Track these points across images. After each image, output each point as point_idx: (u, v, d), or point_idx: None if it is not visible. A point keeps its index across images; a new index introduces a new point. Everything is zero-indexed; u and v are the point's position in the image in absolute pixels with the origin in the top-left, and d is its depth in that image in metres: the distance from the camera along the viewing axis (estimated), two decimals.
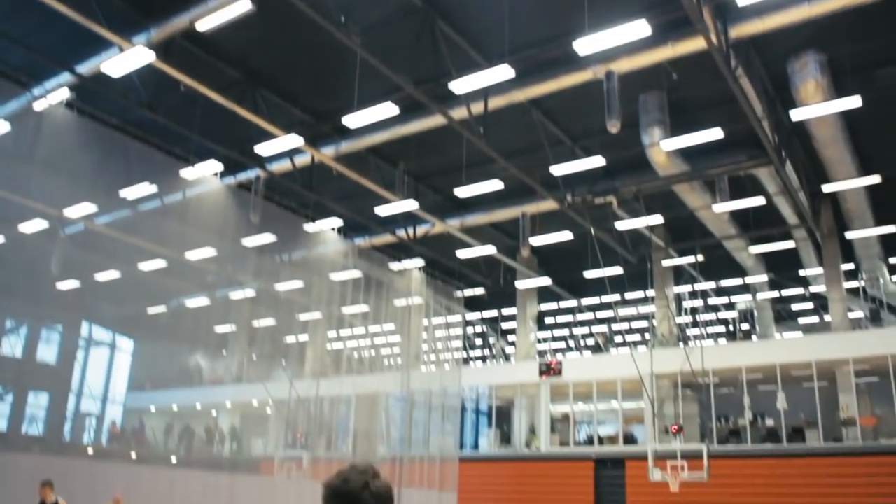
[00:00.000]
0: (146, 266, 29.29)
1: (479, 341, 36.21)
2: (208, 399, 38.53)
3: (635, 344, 30.19)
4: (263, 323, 36.19)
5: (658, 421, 26.76)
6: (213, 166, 21.37)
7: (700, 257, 27.48)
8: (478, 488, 29.12)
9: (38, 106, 20.19)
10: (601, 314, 33.07)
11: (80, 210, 25.08)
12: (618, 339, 31.56)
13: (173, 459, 33.74)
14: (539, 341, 33.12)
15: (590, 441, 29.16)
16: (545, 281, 30.74)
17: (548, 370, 29.02)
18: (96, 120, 22.60)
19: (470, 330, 34.78)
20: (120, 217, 26.88)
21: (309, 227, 25.33)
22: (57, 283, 31.11)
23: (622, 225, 25.15)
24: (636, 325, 32.12)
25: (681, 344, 27.94)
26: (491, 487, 28.90)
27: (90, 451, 34.05)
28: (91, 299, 33.67)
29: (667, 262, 29.41)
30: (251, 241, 26.11)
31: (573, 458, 28.15)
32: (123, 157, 24.96)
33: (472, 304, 33.58)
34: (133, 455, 34.53)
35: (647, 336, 30.68)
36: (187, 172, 21.67)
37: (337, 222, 25.67)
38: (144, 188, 23.19)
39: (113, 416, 39.95)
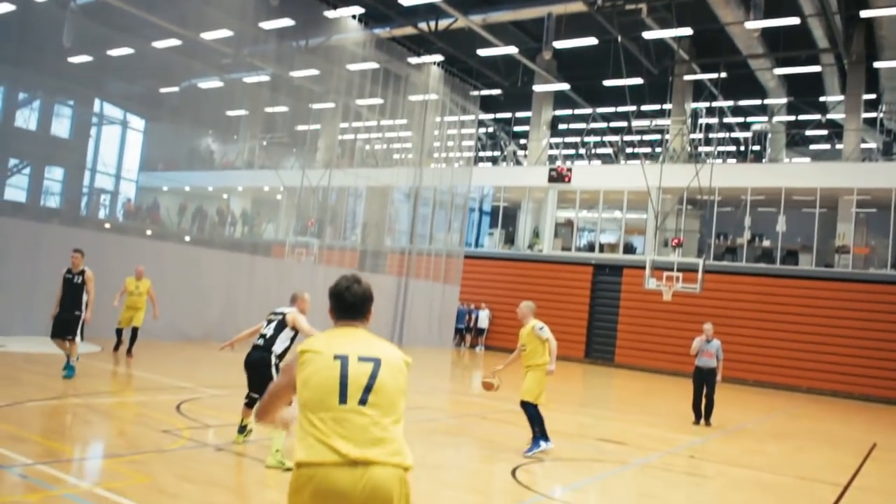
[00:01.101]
0: (160, 44, 28.71)
1: (490, 142, 36.27)
2: (220, 182, 39.24)
3: (646, 156, 30.33)
4: (277, 109, 36.06)
5: (659, 234, 27.56)
6: None
7: (723, 74, 26.99)
8: (480, 284, 30.50)
9: None
10: (615, 124, 32.91)
11: None
12: (629, 150, 31.62)
13: (186, 238, 34.76)
14: (550, 147, 33.23)
15: (591, 248, 30.13)
16: (563, 86, 30.38)
17: (557, 176, 29.43)
18: None
19: (482, 131, 34.70)
20: None
21: (329, 13, 24.62)
22: (69, 57, 30.71)
23: (649, 34, 24.48)
24: (648, 138, 32.08)
25: (691, 160, 28.16)
26: (493, 284, 30.25)
27: (107, 225, 35.10)
28: (103, 75, 33.37)
29: (689, 77, 28.96)
30: (269, 25, 25.48)
31: (573, 262, 29.26)
32: None
33: (487, 104, 33.32)
34: (148, 232, 35.63)
35: (659, 150, 30.78)
36: None
37: (358, 10, 24.93)
38: None
39: (126, 194, 40.85)
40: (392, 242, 32.13)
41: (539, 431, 8.93)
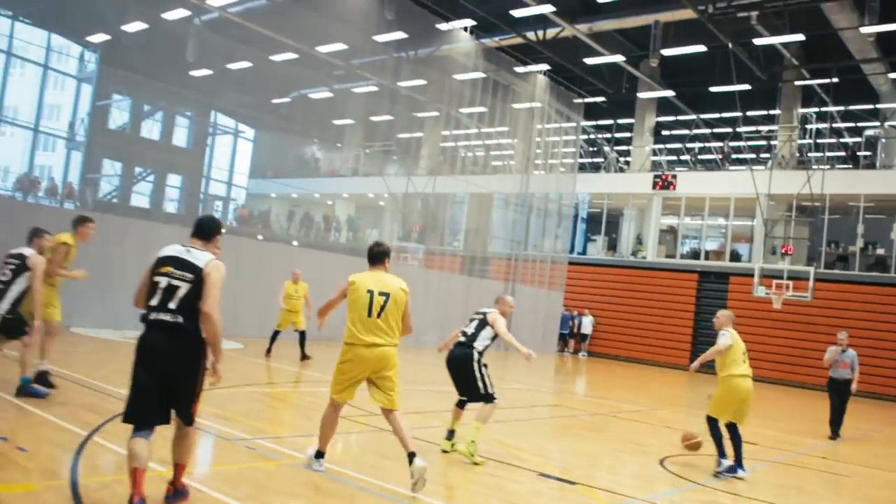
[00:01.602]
0: (277, 57, 30.19)
1: (591, 150, 36.53)
2: (326, 189, 40.69)
3: (752, 162, 30.12)
4: (382, 118, 37.21)
5: (767, 241, 27.35)
6: None
7: (834, 80, 26.63)
8: (584, 290, 30.82)
9: None
10: (718, 130, 32.75)
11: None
12: (735, 156, 31.46)
13: (294, 243, 36.16)
14: (654, 153, 33.31)
15: (695, 255, 30.07)
16: (668, 93, 30.46)
17: (663, 183, 29.53)
18: None
19: (585, 138, 35.00)
20: (256, 6, 27.57)
21: (442, 25, 25.50)
22: (191, 71, 32.57)
23: (760, 41, 24.42)
24: (755, 143, 31.82)
25: (800, 166, 27.85)
26: (596, 290, 30.52)
27: (222, 230, 36.90)
28: (220, 88, 35.17)
29: (798, 82, 28.64)
30: (383, 38, 26.53)
31: (678, 270, 29.28)
32: None
33: (590, 112, 33.62)
34: (259, 237, 37.22)
35: (766, 156, 30.52)
36: None
37: (469, 22, 25.74)
38: None
39: (237, 201, 42.83)
40: (495, 248, 32.79)
41: (719, 450, 8.28)
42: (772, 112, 30.17)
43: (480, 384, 7.60)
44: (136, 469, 4.35)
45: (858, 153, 28.56)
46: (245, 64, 31.99)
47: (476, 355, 7.63)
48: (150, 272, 4.70)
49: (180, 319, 4.57)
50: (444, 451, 7.55)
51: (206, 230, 4.97)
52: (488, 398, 7.58)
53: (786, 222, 27.59)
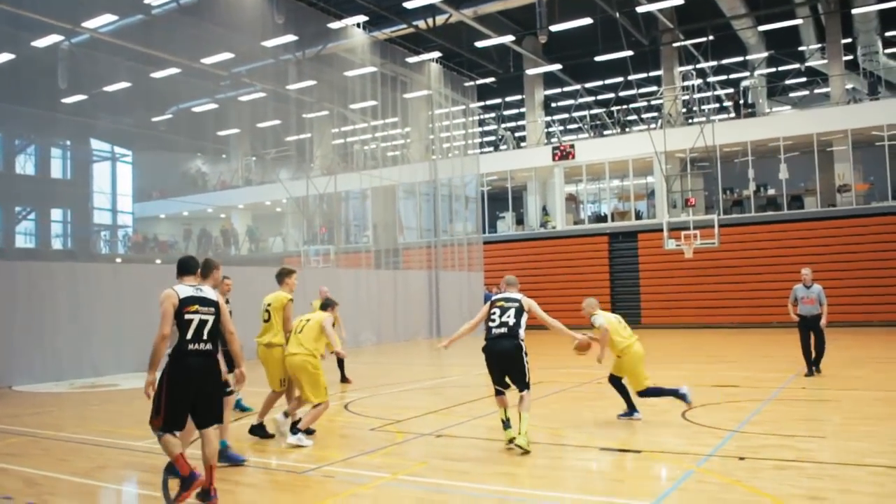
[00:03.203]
0: (158, 74, 28.97)
1: (488, 130, 37.08)
2: (218, 202, 39.48)
3: (643, 122, 31.49)
4: (269, 124, 36.35)
5: (669, 196, 28.73)
6: None
7: (710, 38, 28.19)
8: (500, 267, 31.38)
9: None
10: (603, 96, 34.01)
11: (96, 21, 24.53)
12: (628, 119, 32.75)
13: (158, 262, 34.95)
14: (548, 126, 34.22)
15: (602, 218, 31.19)
16: (555, 66, 31.30)
17: (561, 153, 30.41)
18: None
19: (479, 118, 35.48)
20: (131, 22, 26.34)
21: (334, 24, 25.22)
22: (63, 98, 30.79)
23: (641, 8, 25.51)
24: (642, 105, 33.24)
25: (687, 122, 29.38)
26: (512, 265, 31.13)
27: (118, 259, 35.27)
28: (96, 112, 33.40)
29: (676, 44, 30.08)
30: (272, 42, 25.95)
31: (588, 234, 30.32)
32: None
33: (482, 94, 34.11)
34: (157, 261, 35.83)
35: (655, 115, 31.97)
36: None
37: (362, 18, 25.56)
38: None
39: (126, 227, 40.93)
40: (405, 239, 32.87)
41: (629, 403, 9.43)
42: (652, 74, 31.58)
43: (526, 373, 7.72)
44: (182, 453, 5.50)
45: (739, 103, 30.34)
46: (123, 84, 30.47)
47: (523, 345, 7.73)
48: (176, 311, 5.62)
49: (210, 346, 5.74)
50: (511, 440, 7.52)
51: (194, 267, 6.05)
52: (528, 386, 7.73)
53: (682, 177, 29.05)
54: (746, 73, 31.90)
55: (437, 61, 29.44)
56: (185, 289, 5.75)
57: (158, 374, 5.56)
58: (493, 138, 36.25)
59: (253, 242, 38.87)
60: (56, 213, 35.67)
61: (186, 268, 5.95)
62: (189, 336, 5.61)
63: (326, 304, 8.84)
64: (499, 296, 8.07)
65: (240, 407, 10.06)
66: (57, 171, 35.93)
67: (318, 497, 6.05)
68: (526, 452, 7.27)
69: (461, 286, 28.90)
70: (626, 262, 29.48)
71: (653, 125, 30.26)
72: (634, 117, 32.57)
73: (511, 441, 7.50)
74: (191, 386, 5.57)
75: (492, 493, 5.98)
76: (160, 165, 40.85)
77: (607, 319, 9.33)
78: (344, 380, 13.73)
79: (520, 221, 33.08)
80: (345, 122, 34.36)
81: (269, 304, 8.51)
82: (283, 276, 8.52)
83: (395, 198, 33.89)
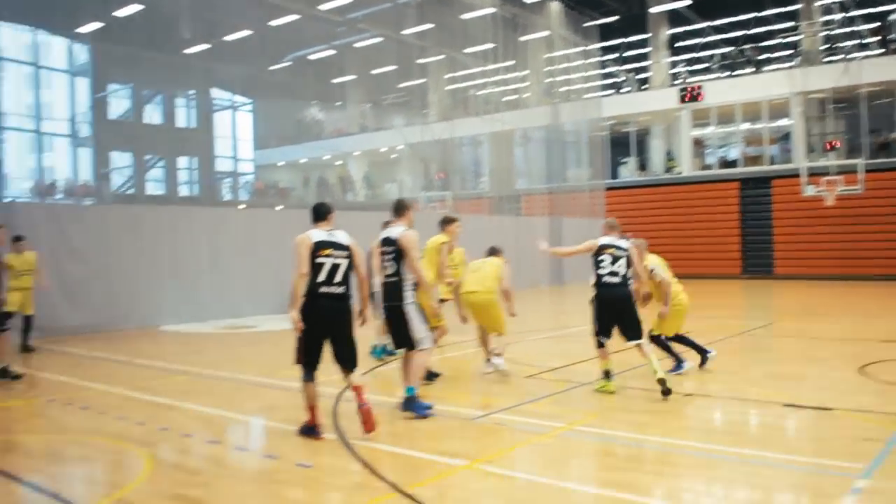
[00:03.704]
0: (276, 21, 29.08)
1: (610, 71, 35.71)
2: (335, 150, 39.78)
3: (777, 61, 29.63)
4: (384, 70, 36.13)
5: (806, 139, 26.99)
6: None
7: None
8: (623, 214, 30.43)
9: None
10: (732, 35, 32.05)
11: None
12: (760, 59, 30.83)
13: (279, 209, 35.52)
14: (672, 66, 32.68)
15: (732, 163, 29.65)
16: (682, 2, 29.62)
17: (689, 95, 28.97)
18: None
19: (602, 59, 34.16)
20: None
21: None
22: (186, 49, 31.41)
23: None
24: (774, 44, 31.19)
25: (829, 60, 27.35)
26: (635, 212, 30.16)
27: (240, 206, 36.19)
28: (217, 62, 33.99)
29: None
30: None
31: (717, 180, 28.91)
32: None
33: (602, 34, 32.71)
34: (278, 207, 36.52)
35: (792, 54, 29.98)
36: None
37: None
38: None
39: (245, 175, 41.98)
40: (524, 185, 32.29)
41: (676, 358, 8.67)
42: (789, 8, 29.49)
43: (640, 322, 7.62)
44: (315, 406, 5.83)
45: (886, 38, 27.98)
46: (244, 32, 30.84)
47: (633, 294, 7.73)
48: (310, 254, 5.76)
49: (343, 290, 5.86)
50: (611, 393, 7.50)
51: (326, 212, 6.08)
52: (641, 336, 7.61)
53: (822, 118, 27.21)
54: (894, 6, 29.31)
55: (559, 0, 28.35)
56: (319, 233, 5.90)
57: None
58: (613, 81, 34.86)
59: (369, 189, 39.13)
60: (182, 161, 36.83)
61: (319, 214, 6.06)
62: (321, 279, 5.77)
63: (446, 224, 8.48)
64: (607, 241, 7.66)
65: (387, 352, 9.94)
66: (182, 121, 36.99)
67: (498, 444, 5.79)
68: (668, 392, 7.10)
69: (583, 234, 28.09)
70: (759, 210, 27.96)
71: (789, 63, 28.34)
72: (768, 56, 30.56)
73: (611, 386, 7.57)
74: (322, 327, 5.78)
75: (688, 450, 5.54)
76: (278, 113, 41.52)
77: (663, 268, 8.58)
78: None
79: (642, 167, 31.87)
80: (460, 66, 33.79)
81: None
82: (445, 223, 8.49)
83: (511, 143, 33.27)
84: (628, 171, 31.76)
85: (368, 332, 6.80)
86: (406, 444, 5.76)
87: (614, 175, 31.97)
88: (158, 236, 15.22)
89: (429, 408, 6.63)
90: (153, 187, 35.04)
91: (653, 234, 30.02)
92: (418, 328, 6.58)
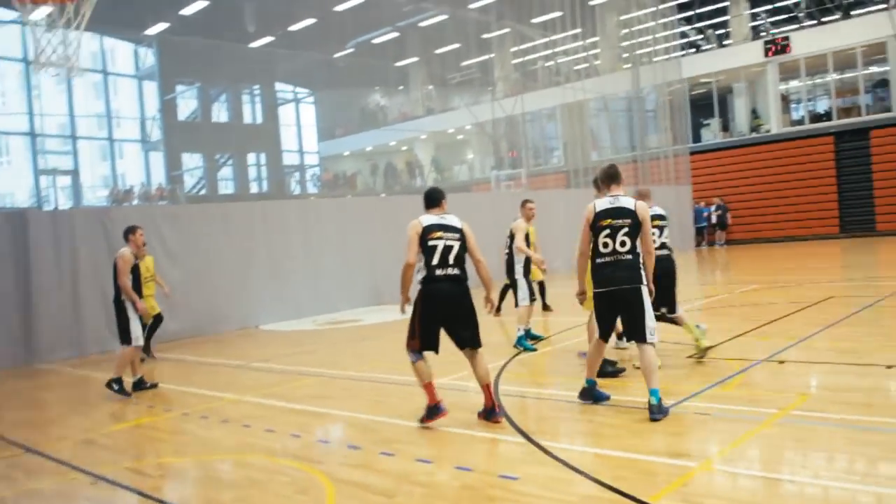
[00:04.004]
0: (341, 7, 28.50)
1: (687, 30, 34.15)
2: (400, 135, 39.18)
3: (871, 2, 27.82)
4: (447, 49, 35.23)
5: None
6: None
7: None
8: (708, 179, 29.16)
9: None
10: None
11: None
12: (847, 3, 29.03)
13: (382, 195, 35.01)
14: (753, 18, 31.05)
15: (824, 116, 27.99)
16: None
17: (775, 47, 27.43)
18: None
19: (675, 18, 32.66)
20: None
21: None
22: (251, 43, 31.10)
23: None
24: None
25: None
26: (722, 176, 28.81)
27: (311, 198, 35.91)
28: (281, 54, 33.62)
29: None
30: None
31: (809, 136, 27.35)
32: None
33: None
34: (349, 196, 36.12)
35: None
36: None
37: None
38: None
39: (312, 167, 41.72)
40: (599, 156, 31.13)
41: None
42: None
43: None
44: (431, 382, 5.76)
45: None
46: (307, 21, 30.36)
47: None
48: (420, 238, 5.68)
49: (458, 271, 5.75)
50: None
51: (439, 198, 6.00)
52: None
53: None
54: None
55: None
56: (429, 217, 5.83)
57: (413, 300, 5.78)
58: (691, 39, 33.33)
59: (438, 172, 38.42)
60: (251, 158, 36.71)
61: (432, 199, 5.99)
62: (435, 262, 5.67)
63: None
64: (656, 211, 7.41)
65: (532, 336, 9.26)
66: (248, 117, 36.83)
67: (718, 438, 5.00)
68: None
69: (669, 202, 26.91)
70: (857, 164, 26.32)
71: (883, 5, 26.53)
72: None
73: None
74: (441, 309, 5.70)
75: None
76: (341, 102, 41.17)
77: None
78: (546, 307, 12.64)
79: (725, 128, 30.39)
80: (528, 38, 32.75)
81: None
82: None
83: (585, 114, 32.10)
84: (711, 134, 30.31)
85: (485, 317, 6.03)
86: (608, 443, 5.02)
87: (697, 139, 30.53)
88: (248, 234, 14.68)
89: (608, 398, 6.00)
90: (224, 186, 35.00)
91: (741, 197, 28.80)
92: (650, 316, 5.68)
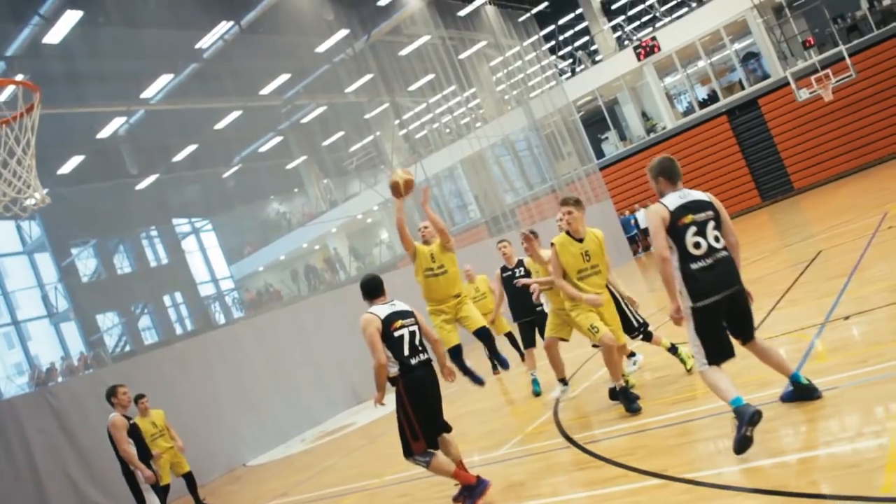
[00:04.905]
0: (221, 123, 27.85)
1: (556, 58, 35.05)
2: (310, 235, 38.34)
3: None
4: (333, 139, 34.91)
5: (776, 49, 26.43)
6: None
7: None
8: (626, 189, 29.52)
9: None
10: None
11: (152, 89, 23.43)
12: None
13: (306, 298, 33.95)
14: (615, 30, 32.11)
15: (709, 99, 28.91)
16: None
17: (645, 50, 28.32)
18: None
19: (548, 47, 33.48)
20: (183, 80, 25.06)
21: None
22: (137, 185, 29.99)
23: None
24: None
25: None
26: (637, 183, 29.22)
27: (237, 322, 34.51)
28: (170, 189, 32.51)
29: None
30: (325, 46, 24.48)
31: (702, 122, 28.15)
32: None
33: (539, 23, 32.10)
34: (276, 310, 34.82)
35: None
36: None
37: None
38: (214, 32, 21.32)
39: (230, 291, 40.24)
40: (515, 196, 31.17)
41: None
42: None
43: None
44: (457, 465, 5.66)
45: None
46: (189, 149, 29.48)
47: None
48: (381, 333, 5.47)
49: (427, 355, 5.67)
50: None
51: (381, 286, 5.86)
52: None
53: (784, 23, 26.70)
54: None
55: (491, 3, 27.57)
56: (381, 308, 5.65)
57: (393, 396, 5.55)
58: (562, 66, 34.19)
59: (358, 260, 37.65)
60: (166, 300, 35.03)
61: (374, 290, 5.81)
62: (407, 352, 5.52)
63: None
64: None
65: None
66: (153, 260, 35.29)
67: (884, 400, 4.45)
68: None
69: (596, 220, 27.01)
70: (755, 134, 27.24)
71: None
72: None
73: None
74: (427, 397, 5.56)
75: None
76: (240, 221, 40.04)
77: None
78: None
79: (622, 137, 31.02)
80: (406, 108, 32.87)
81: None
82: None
83: (486, 162, 32.18)
84: (612, 146, 30.87)
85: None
86: (764, 453, 4.37)
87: (600, 155, 31.04)
88: (205, 373, 13.52)
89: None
90: (148, 335, 33.17)
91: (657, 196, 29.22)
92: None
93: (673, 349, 7.18)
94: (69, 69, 21.54)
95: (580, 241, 6.63)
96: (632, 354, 7.92)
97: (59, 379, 27.27)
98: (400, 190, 7.23)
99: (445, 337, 7.72)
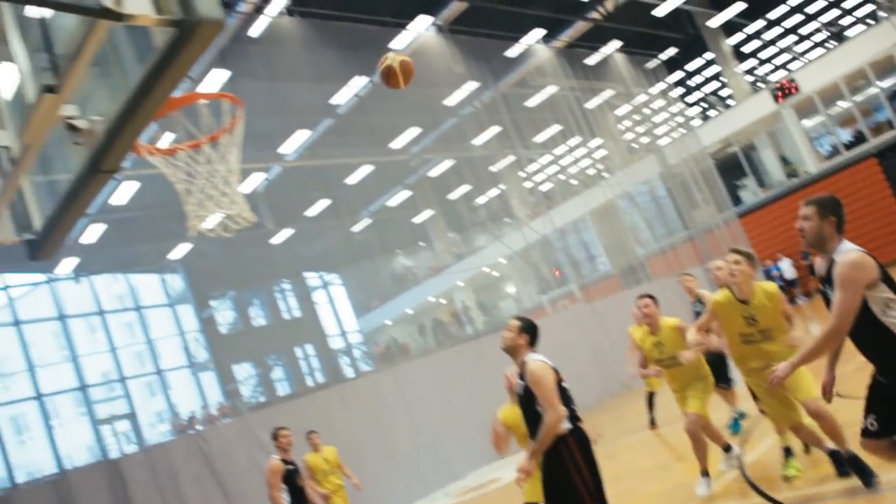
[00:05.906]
0: (353, 179, 28.51)
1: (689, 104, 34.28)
2: (437, 289, 38.43)
3: (859, 22, 27.84)
4: (459, 192, 35.09)
5: None
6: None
7: None
8: (766, 238, 28.12)
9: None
10: (793, 21, 30.55)
11: (290, 145, 24.33)
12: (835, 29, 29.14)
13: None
14: (748, 72, 31.12)
15: (856, 141, 27.27)
16: (736, 8, 28.18)
17: (783, 92, 27.17)
18: None
19: (680, 93, 32.81)
20: (318, 137, 25.83)
21: (512, 50, 23.72)
22: (271, 239, 30.98)
23: None
24: (849, 6, 29.54)
25: None
26: (780, 230, 27.75)
27: (377, 373, 34.78)
28: (302, 243, 33.47)
29: None
30: (455, 99, 24.77)
31: (851, 164, 26.57)
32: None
33: (668, 68, 31.53)
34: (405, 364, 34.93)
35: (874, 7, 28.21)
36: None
37: (540, 32, 23.92)
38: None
39: (358, 345, 40.80)
40: (645, 249, 30.26)
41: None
42: None
43: None
44: None
45: None
46: (322, 203, 30.33)
47: None
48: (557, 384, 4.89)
49: None
50: None
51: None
52: None
53: None
54: None
55: (619, 51, 27.28)
56: (543, 356, 5.04)
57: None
58: (694, 114, 33.35)
59: (485, 313, 37.40)
60: (297, 352, 35.89)
61: (538, 334, 5.16)
62: (573, 405, 4.96)
63: None
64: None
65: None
66: (285, 312, 36.32)
67: None
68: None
69: None
70: None
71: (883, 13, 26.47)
72: (847, 20, 28.83)
73: None
74: (593, 458, 4.90)
75: None
76: (368, 274, 40.65)
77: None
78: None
79: (761, 183, 29.65)
80: (531, 160, 32.79)
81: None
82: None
83: (617, 212, 31.49)
84: (750, 193, 29.54)
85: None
86: None
87: (737, 203, 29.74)
88: (343, 423, 13.43)
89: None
90: (281, 387, 33.98)
91: (801, 245, 27.61)
92: None
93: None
94: (214, 129, 22.69)
95: (744, 302, 5.74)
96: (727, 448, 7.00)
97: (199, 427, 28.16)
98: (398, 77, 5.18)
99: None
